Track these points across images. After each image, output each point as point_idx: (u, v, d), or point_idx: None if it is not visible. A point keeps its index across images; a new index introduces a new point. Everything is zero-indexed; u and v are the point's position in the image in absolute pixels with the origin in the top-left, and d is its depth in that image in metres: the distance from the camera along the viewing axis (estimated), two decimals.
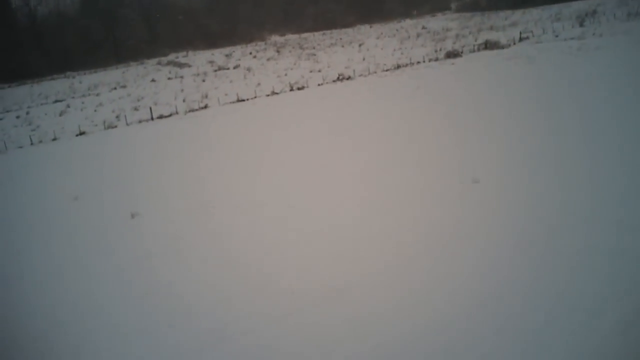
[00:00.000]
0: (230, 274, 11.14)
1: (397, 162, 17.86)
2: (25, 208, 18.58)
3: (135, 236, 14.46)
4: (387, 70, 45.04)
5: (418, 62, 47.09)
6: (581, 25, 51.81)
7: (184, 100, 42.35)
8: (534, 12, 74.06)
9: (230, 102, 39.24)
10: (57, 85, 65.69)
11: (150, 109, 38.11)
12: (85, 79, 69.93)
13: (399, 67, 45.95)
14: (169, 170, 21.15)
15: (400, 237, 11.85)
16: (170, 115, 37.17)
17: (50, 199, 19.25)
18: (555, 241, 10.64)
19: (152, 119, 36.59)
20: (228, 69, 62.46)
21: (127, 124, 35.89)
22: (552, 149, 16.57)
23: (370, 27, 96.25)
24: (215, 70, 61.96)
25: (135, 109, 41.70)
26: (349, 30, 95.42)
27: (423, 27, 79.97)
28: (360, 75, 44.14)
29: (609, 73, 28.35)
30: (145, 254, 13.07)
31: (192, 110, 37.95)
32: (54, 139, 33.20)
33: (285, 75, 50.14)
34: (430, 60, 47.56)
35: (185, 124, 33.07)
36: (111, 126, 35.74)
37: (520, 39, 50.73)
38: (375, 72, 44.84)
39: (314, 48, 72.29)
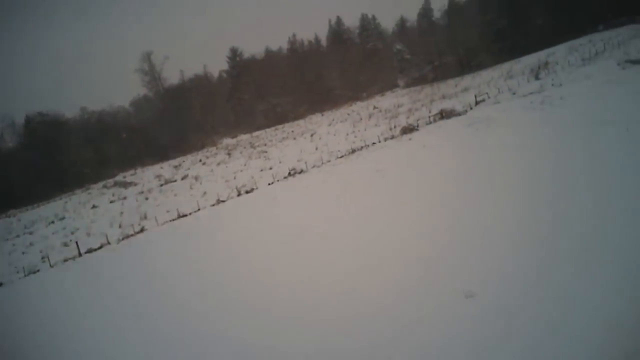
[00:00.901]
0: None
1: (363, 272, 13.10)
2: None
3: None
4: (341, 157, 41.32)
5: (373, 143, 43.63)
6: (537, 78, 49.23)
7: (120, 226, 37.47)
8: (484, 74, 72.68)
9: (171, 220, 34.48)
10: None
11: (77, 244, 32.90)
12: (25, 216, 64.68)
13: (353, 151, 42.33)
14: (73, 333, 15.84)
15: None
16: (100, 247, 32.08)
17: None
18: None
19: (79, 254, 31.40)
20: (175, 181, 58.15)
21: (51, 266, 30.59)
22: (554, 236, 12.05)
23: (322, 115, 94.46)
24: (162, 185, 57.56)
25: (66, 244, 36.56)
26: (301, 121, 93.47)
27: (374, 107, 78.13)
28: (314, 167, 40.23)
29: (582, 121, 24.81)
30: None
31: (127, 237, 32.98)
32: None
33: (234, 178, 46.10)
34: (385, 139, 44.22)
35: (113, 257, 27.95)
36: (33, 271, 30.35)
37: (477, 103, 47.83)
38: (329, 161, 41.04)
39: (265, 145, 69.03)
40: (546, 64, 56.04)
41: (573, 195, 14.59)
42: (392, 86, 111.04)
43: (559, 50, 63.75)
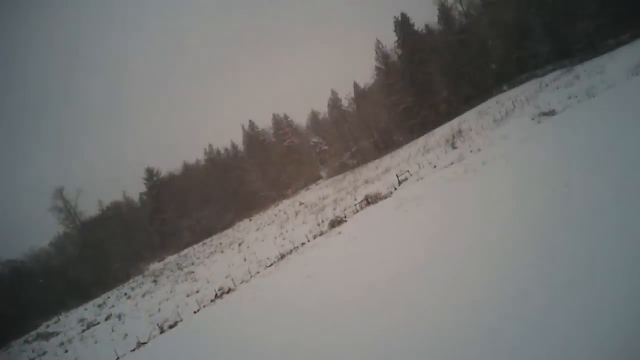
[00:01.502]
0: None
1: None
2: None
3: None
4: (270, 265, 38.50)
5: (302, 244, 41.10)
6: (454, 147, 48.55)
7: None
8: (401, 152, 72.51)
9: None
10: None
11: None
12: None
13: (282, 256, 39.57)
14: None
15: None
16: None
17: None
18: None
19: None
20: (98, 323, 52.79)
21: None
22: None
23: (250, 220, 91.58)
24: (84, 330, 51.92)
25: None
26: (229, 230, 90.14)
27: (300, 203, 76.21)
28: (242, 282, 37.02)
29: (513, 185, 23.49)
30: None
31: None
32: None
33: (159, 310, 42.00)
34: (315, 236, 41.95)
35: None
36: None
37: (400, 182, 46.43)
38: (258, 272, 38.03)
39: (192, 264, 64.92)
40: (460, 132, 55.86)
41: (525, 283, 12.39)
42: (316, 178, 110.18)
43: (470, 117, 64.23)
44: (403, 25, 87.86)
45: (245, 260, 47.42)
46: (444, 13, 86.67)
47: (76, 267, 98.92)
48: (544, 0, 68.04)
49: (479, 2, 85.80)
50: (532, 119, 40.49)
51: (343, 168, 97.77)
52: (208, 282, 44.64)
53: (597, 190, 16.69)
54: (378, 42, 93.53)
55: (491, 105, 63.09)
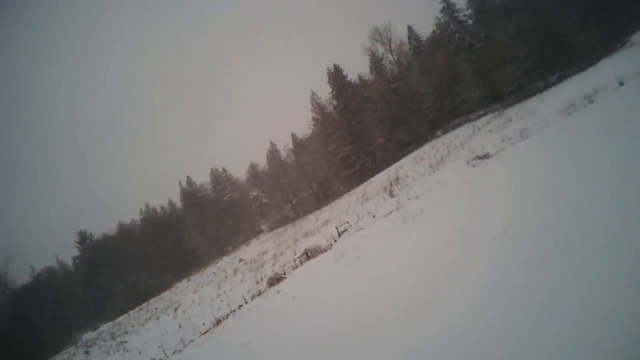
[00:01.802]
0: None
1: None
2: None
3: None
4: (205, 332, 35.86)
5: (240, 306, 38.69)
6: (392, 195, 47.53)
7: None
8: (340, 202, 71.34)
9: None
10: None
11: None
12: None
13: (218, 322, 37.01)
14: None
15: None
16: None
17: None
18: None
19: None
20: None
21: None
22: None
23: (189, 280, 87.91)
24: None
25: None
26: (166, 293, 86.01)
27: (240, 260, 73.70)
28: (174, 353, 34.33)
29: (452, 232, 22.51)
30: None
31: None
32: None
33: None
34: (253, 296, 39.81)
35: None
36: None
37: (340, 234, 44.94)
38: (192, 341, 35.39)
39: (126, 333, 60.83)
40: (397, 179, 55.14)
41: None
42: (257, 232, 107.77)
43: (406, 163, 63.92)
44: (336, 76, 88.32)
45: (180, 327, 44.49)
46: (376, 63, 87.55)
47: (4, 340, 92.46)
48: (472, 47, 69.64)
49: (409, 51, 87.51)
50: (468, 163, 40.00)
51: (284, 221, 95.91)
52: (140, 353, 41.53)
53: (535, 235, 15.91)
54: (313, 93, 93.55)
55: (426, 151, 62.90)
